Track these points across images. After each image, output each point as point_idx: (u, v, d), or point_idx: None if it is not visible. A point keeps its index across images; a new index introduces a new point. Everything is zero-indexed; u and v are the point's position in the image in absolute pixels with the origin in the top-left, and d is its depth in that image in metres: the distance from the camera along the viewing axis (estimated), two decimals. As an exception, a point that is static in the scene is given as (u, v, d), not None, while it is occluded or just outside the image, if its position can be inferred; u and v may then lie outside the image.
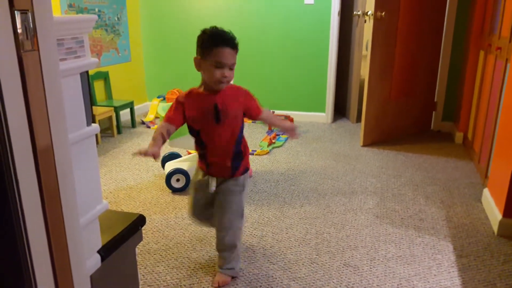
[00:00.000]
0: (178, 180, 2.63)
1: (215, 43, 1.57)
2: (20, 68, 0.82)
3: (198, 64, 1.63)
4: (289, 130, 1.80)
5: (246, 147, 1.79)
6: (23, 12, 0.81)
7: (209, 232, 2.16)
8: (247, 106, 1.72)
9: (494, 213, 2.20)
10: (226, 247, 1.76)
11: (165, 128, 1.61)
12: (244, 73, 4.42)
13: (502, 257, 1.94)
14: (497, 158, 2.33)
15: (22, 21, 0.81)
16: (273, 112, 4.37)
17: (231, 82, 1.70)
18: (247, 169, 1.78)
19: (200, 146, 1.71)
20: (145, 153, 1.50)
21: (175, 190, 2.64)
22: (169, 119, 1.63)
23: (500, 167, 2.23)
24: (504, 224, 2.12)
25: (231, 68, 1.62)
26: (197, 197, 1.81)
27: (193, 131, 1.69)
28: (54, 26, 0.91)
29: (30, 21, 0.83)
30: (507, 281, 1.77)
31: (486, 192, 2.43)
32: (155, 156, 1.52)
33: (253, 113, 1.75)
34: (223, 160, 1.69)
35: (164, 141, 1.61)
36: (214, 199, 1.76)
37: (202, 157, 1.73)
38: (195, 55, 1.67)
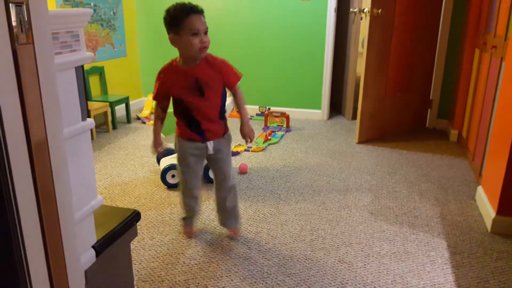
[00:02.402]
0: (173, 176, 2.63)
1: (184, 14, 1.68)
2: (15, 62, 0.81)
3: (175, 41, 1.74)
4: (244, 130, 1.91)
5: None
6: (18, 5, 0.80)
7: (204, 228, 2.16)
8: (222, 77, 1.83)
9: (488, 211, 2.22)
10: (235, 203, 2.04)
11: (161, 112, 1.88)
12: (240, 70, 4.39)
13: (495, 254, 1.96)
14: (491, 156, 2.34)
15: (17, 14, 0.80)
16: (269, 108, 4.37)
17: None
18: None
19: (188, 117, 1.83)
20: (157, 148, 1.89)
21: (170, 186, 2.63)
22: (158, 100, 1.86)
23: (494, 165, 2.24)
24: (497, 221, 2.13)
25: (206, 33, 1.73)
26: (193, 167, 1.93)
27: (181, 106, 1.81)
28: (49, 19, 0.91)
29: (25, 14, 0.82)
30: (500, 278, 1.79)
31: (480, 189, 2.45)
32: (159, 147, 1.90)
33: (230, 82, 1.86)
34: (216, 124, 1.86)
35: (162, 122, 1.91)
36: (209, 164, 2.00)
37: (194, 126, 1.84)
38: None
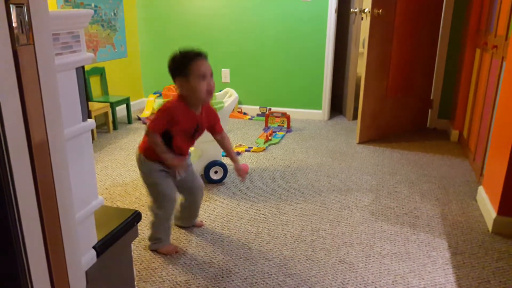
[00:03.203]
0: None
1: (191, 59, 1.73)
2: (15, 63, 0.82)
3: (182, 86, 1.77)
4: (239, 170, 1.96)
5: None
6: (19, 6, 0.80)
7: (205, 228, 2.16)
8: (212, 124, 1.95)
9: (489, 211, 2.21)
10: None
11: (157, 138, 1.78)
12: (241, 70, 4.41)
13: (497, 255, 1.96)
14: (492, 156, 2.34)
15: (18, 15, 0.80)
16: (270, 109, 4.38)
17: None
18: None
19: (168, 147, 1.83)
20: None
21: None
22: (159, 131, 1.77)
23: (495, 165, 2.24)
24: (498, 221, 2.13)
25: (211, 76, 1.78)
26: (169, 183, 1.91)
27: (166, 137, 1.81)
28: (50, 20, 0.91)
29: (26, 15, 0.83)
30: (501, 278, 1.78)
31: (481, 190, 2.45)
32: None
33: (215, 131, 1.99)
34: (187, 155, 1.96)
35: None
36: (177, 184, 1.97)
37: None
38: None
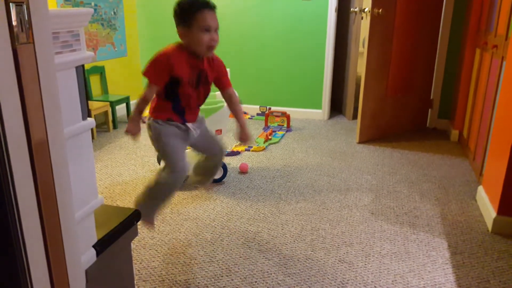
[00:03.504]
0: None
1: (197, 8, 1.63)
2: (15, 61, 0.81)
3: (184, 35, 1.68)
4: (243, 132, 1.90)
5: None
6: (18, 4, 0.80)
7: (205, 227, 2.16)
8: (219, 76, 1.84)
9: (489, 211, 2.22)
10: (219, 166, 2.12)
11: (151, 95, 1.73)
12: (241, 69, 4.40)
13: (496, 254, 1.96)
14: (492, 156, 2.34)
15: (17, 13, 0.80)
16: (270, 108, 4.37)
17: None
18: None
19: (173, 100, 1.77)
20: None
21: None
22: (161, 82, 1.70)
23: (495, 165, 2.24)
24: (498, 221, 2.13)
25: (216, 31, 1.69)
26: (178, 145, 1.83)
27: (171, 87, 1.73)
28: (50, 19, 0.90)
29: (25, 13, 0.82)
30: (501, 278, 1.79)
31: (480, 189, 2.45)
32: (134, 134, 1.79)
33: (222, 85, 1.87)
34: (196, 110, 1.87)
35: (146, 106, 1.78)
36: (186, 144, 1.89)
37: (176, 109, 1.79)
38: None
